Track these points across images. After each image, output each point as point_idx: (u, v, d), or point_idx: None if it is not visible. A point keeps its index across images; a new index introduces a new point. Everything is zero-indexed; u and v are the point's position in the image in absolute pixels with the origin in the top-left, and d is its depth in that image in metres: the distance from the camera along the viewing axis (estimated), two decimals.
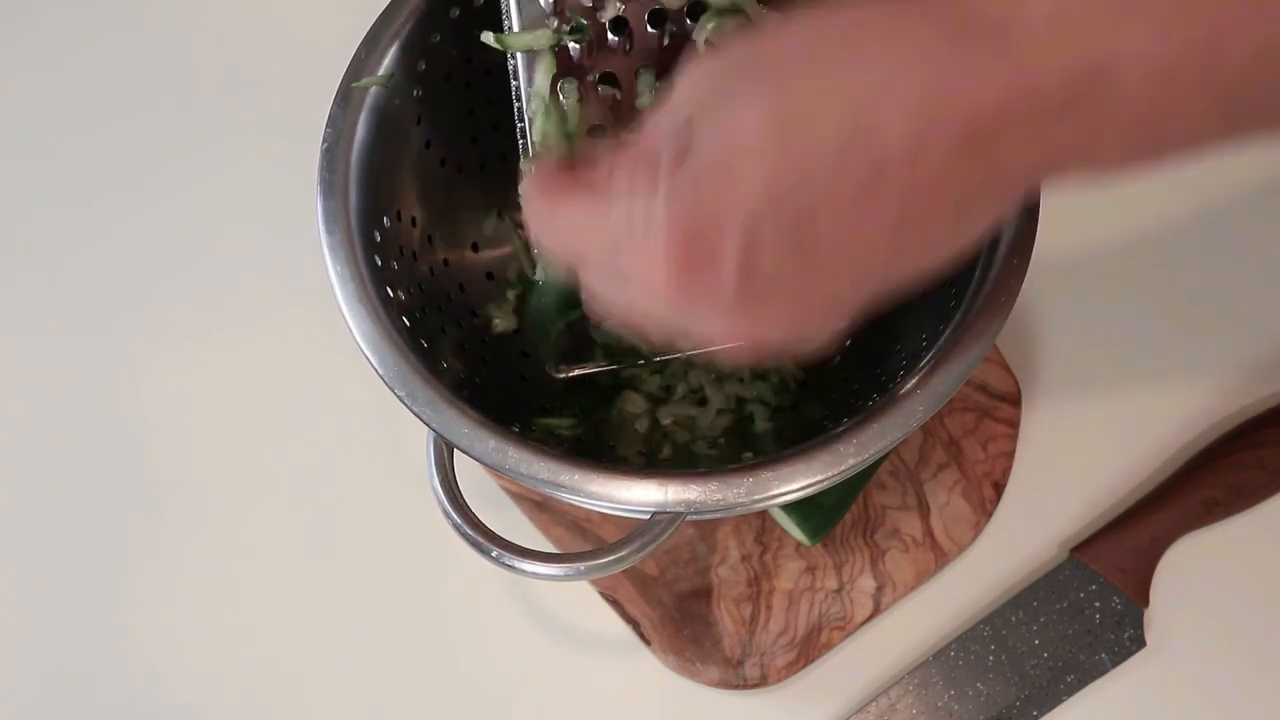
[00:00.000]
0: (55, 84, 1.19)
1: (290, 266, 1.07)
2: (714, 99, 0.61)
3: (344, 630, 1.01)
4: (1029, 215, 0.80)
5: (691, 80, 0.63)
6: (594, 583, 1.00)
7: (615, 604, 0.99)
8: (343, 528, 1.04)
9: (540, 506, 1.01)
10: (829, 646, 0.97)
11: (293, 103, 1.09)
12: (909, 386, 0.77)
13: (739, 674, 0.97)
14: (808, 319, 0.65)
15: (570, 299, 0.84)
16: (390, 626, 1.01)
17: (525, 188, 0.70)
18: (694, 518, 0.77)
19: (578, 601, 1.00)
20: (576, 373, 0.89)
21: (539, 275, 0.86)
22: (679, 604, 0.98)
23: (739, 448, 0.92)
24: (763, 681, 0.97)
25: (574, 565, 0.77)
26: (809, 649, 0.97)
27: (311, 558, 1.03)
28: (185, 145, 1.16)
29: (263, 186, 1.13)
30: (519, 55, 0.81)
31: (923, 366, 0.78)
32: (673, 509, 0.75)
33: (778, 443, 0.92)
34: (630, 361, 0.89)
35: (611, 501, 0.76)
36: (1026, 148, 0.59)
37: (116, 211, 1.14)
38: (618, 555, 0.76)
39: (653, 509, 0.76)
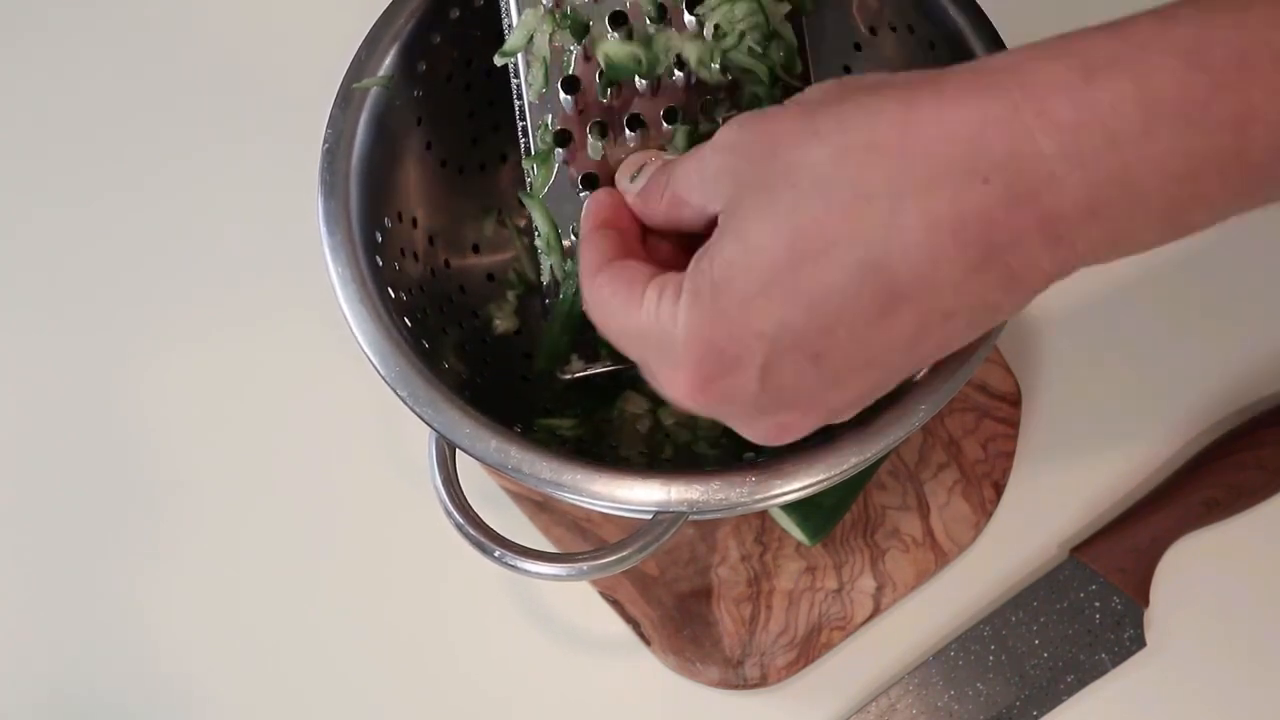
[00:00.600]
0: (55, 84, 1.19)
1: (290, 267, 1.07)
2: (738, 198, 0.65)
3: (344, 630, 1.01)
4: None
5: (724, 157, 0.66)
6: (594, 583, 1.00)
7: (615, 604, 0.99)
8: (343, 528, 1.04)
9: (541, 507, 1.01)
10: (829, 646, 0.97)
11: (293, 103, 1.09)
12: (910, 386, 0.77)
13: (739, 674, 0.97)
14: (831, 415, 0.69)
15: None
16: (390, 626, 1.01)
17: (582, 247, 0.74)
18: (696, 518, 0.77)
19: (578, 601, 1.00)
20: (581, 374, 0.89)
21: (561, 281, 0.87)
22: (679, 604, 0.98)
23: (740, 448, 0.92)
24: (763, 681, 0.97)
25: (576, 565, 0.77)
26: (809, 649, 0.97)
27: (312, 558, 1.03)
28: (185, 145, 1.16)
29: (263, 187, 1.13)
30: (518, 55, 0.81)
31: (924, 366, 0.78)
32: (675, 509, 0.75)
33: None
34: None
35: (614, 501, 0.76)
36: (1049, 253, 0.61)
37: (116, 211, 1.14)
38: (620, 555, 0.76)
39: (655, 509, 0.76)
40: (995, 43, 0.83)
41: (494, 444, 0.77)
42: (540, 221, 0.85)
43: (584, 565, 0.77)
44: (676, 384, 0.67)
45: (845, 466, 0.76)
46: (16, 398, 1.09)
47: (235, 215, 1.13)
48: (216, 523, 1.04)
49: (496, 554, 0.77)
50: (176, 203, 1.14)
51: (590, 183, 0.85)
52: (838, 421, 0.71)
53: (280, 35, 1.19)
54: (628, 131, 0.83)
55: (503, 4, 0.82)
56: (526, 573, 0.78)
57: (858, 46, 0.93)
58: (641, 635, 0.98)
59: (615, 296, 0.69)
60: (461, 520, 0.78)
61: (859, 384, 0.67)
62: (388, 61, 0.87)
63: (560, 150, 0.83)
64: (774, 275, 0.62)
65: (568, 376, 0.88)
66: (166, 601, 1.02)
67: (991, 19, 0.84)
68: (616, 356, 0.88)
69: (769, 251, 0.62)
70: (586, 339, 0.87)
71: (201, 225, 1.13)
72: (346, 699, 1.00)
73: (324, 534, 1.04)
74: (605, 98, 0.83)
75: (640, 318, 0.67)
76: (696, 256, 0.65)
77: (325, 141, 0.85)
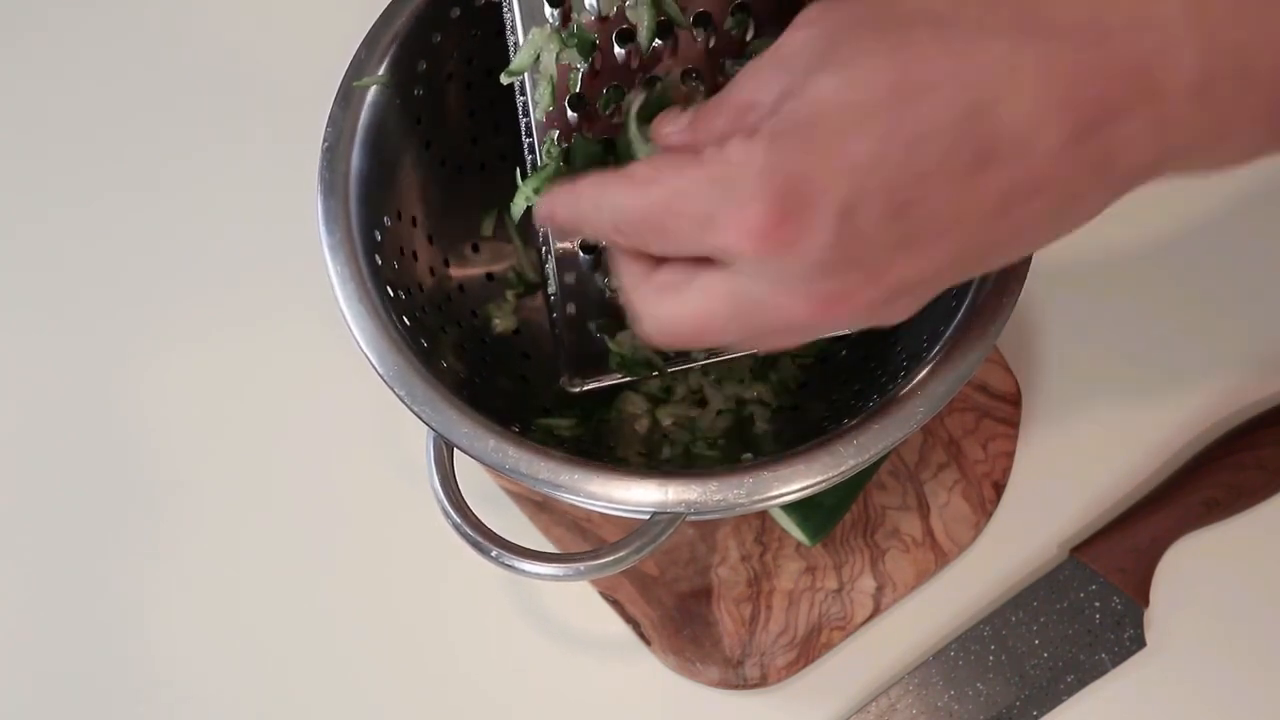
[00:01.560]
0: (55, 84, 1.19)
1: (290, 266, 1.07)
2: (834, 46, 0.60)
3: (344, 630, 1.01)
4: None
5: (808, 30, 0.62)
6: (594, 583, 1.00)
7: (615, 604, 0.99)
8: (343, 528, 1.04)
9: (540, 506, 1.01)
10: (829, 646, 0.97)
11: (294, 102, 1.09)
12: (909, 387, 0.77)
13: (739, 674, 0.97)
14: (889, 296, 0.63)
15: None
16: (390, 626, 1.01)
17: (544, 198, 0.72)
18: (694, 518, 0.77)
19: (578, 602, 1.00)
20: (591, 386, 0.88)
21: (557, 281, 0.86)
22: (679, 604, 0.99)
23: (739, 448, 0.92)
24: (763, 681, 0.97)
25: (574, 565, 0.77)
26: (809, 649, 0.97)
27: (312, 558, 1.03)
28: (186, 145, 1.16)
29: (263, 186, 1.13)
30: (532, 110, 0.81)
31: (923, 367, 0.78)
32: (673, 509, 0.75)
33: (778, 444, 0.92)
34: (644, 374, 0.89)
35: (611, 502, 0.76)
36: (1151, 137, 0.58)
37: (117, 211, 1.14)
38: (618, 555, 0.76)
39: (652, 509, 0.75)
40: None
41: (491, 443, 0.77)
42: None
43: (581, 566, 0.77)
44: (743, 222, 0.59)
45: (844, 467, 0.75)
46: (17, 398, 1.09)
47: (235, 214, 1.13)
48: (216, 522, 1.04)
49: (494, 554, 0.77)
50: (176, 202, 1.14)
51: None
52: (888, 318, 0.65)
53: (280, 35, 1.19)
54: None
55: (508, 20, 0.82)
56: (524, 573, 0.77)
57: None
58: (641, 635, 0.98)
59: (666, 159, 0.64)
60: (459, 520, 0.78)
61: (933, 252, 0.61)
62: (388, 60, 0.86)
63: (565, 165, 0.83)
64: (874, 110, 0.58)
65: (576, 389, 0.88)
66: (165, 600, 1.02)
67: None
68: (626, 368, 0.88)
69: (871, 86, 0.58)
70: (596, 351, 0.87)
71: (201, 224, 1.13)
72: (347, 698, 1.00)
73: (324, 534, 1.04)
74: (610, 113, 0.83)
75: (700, 166, 0.62)
76: (772, 103, 0.61)
77: (325, 140, 0.85)
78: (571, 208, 0.70)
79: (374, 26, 0.87)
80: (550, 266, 0.85)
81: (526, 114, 0.82)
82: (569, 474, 0.76)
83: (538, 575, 0.78)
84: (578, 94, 0.81)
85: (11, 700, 1.01)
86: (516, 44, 0.81)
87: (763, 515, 1.00)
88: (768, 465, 0.76)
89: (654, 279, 0.67)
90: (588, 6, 0.79)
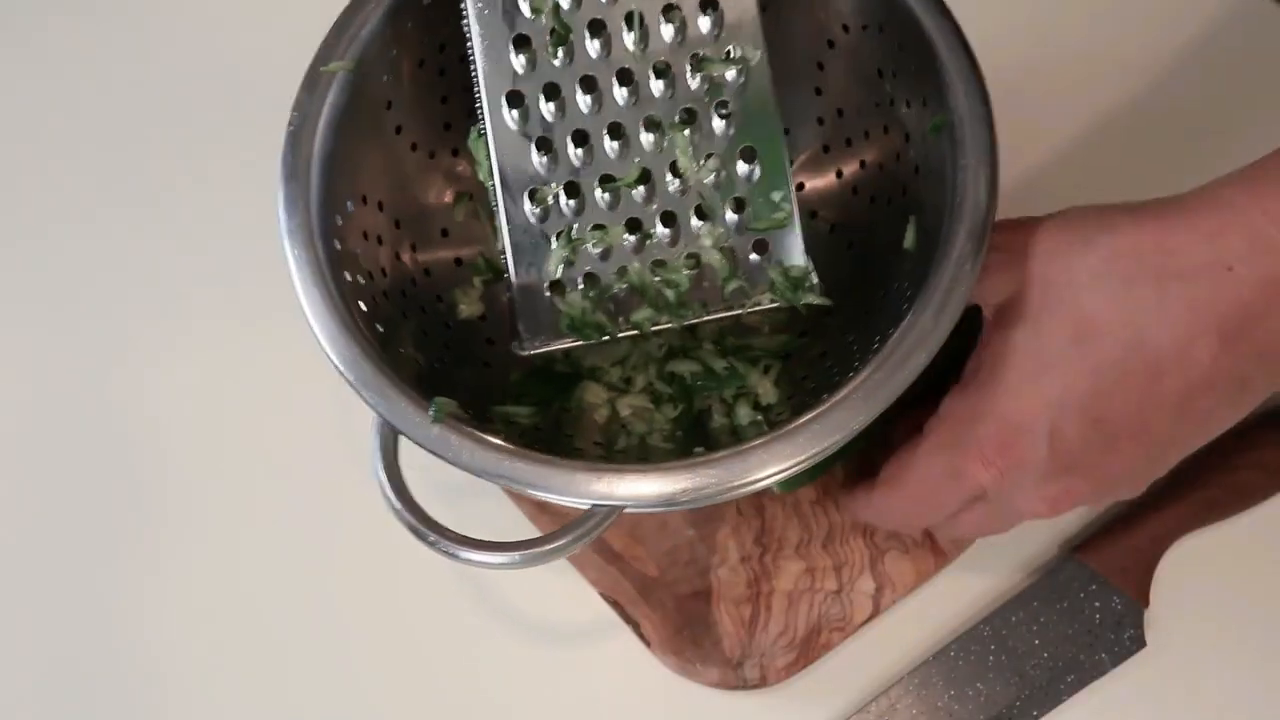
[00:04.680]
0: (47, 82, 1.20)
1: (274, 263, 1.06)
2: (1016, 296, 0.78)
3: (343, 630, 1.02)
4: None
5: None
6: (595, 584, 0.99)
7: (615, 605, 0.99)
8: (341, 529, 1.04)
9: (541, 508, 1.00)
10: (829, 647, 0.97)
11: (279, 98, 1.09)
12: (856, 385, 0.76)
13: (739, 675, 0.96)
14: (1110, 485, 0.79)
15: None
16: (389, 629, 1.01)
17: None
18: (632, 510, 0.77)
19: (578, 603, 1.00)
20: (540, 349, 0.88)
21: None
22: (679, 605, 0.98)
23: (694, 442, 0.91)
24: (763, 682, 0.96)
25: (511, 554, 0.77)
26: (809, 650, 0.97)
27: (308, 559, 1.03)
28: (167, 145, 1.17)
29: (249, 184, 1.11)
30: (479, 56, 0.82)
31: (870, 366, 0.77)
32: (611, 502, 0.76)
33: (734, 437, 0.91)
34: (595, 337, 0.88)
35: (549, 492, 0.76)
36: None
37: (109, 210, 1.15)
38: (556, 545, 0.77)
39: (591, 501, 0.76)
40: (964, 51, 0.82)
41: (435, 431, 0.77)
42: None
43: (518, 555, 0.77)
44: (979, 459, 0.78)
45: (781, 466, 0.76)
46: (5, 398, 1.10)
47: (221, 212, 1.14)
48: (212, 526, 1.05)
49: (431, 539, 0.78)
50: (167, 201, 1.15)
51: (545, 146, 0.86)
52: (1121, 496, 0.81)
53: (266, 26, 1.19)
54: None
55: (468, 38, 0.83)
56: (465, 561, 0.78)
57: (831, 44, 0.92)
58: (641, 636, 0.98)
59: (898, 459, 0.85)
60: (400, 506, 0.78)
61: (1133, 450, 0.76)
62: (358, 45, 0.86)
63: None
64: (1059, 353, 0.74)
65: (527, 352, 0.87)
66: (161, 605, 1.03)
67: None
68: (577, 331, 0.87)
69: (1055, 335, 0.75)
70: (547, 315, 0.87)
71: (187, 224, 1.14)
72: (345, 698, 1.00)
73: (321, 535, 1.04)
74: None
75: (927, 440, 0.82)
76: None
77: (290, 124, 0.84)
78: (871, 517, 0.93)
79: (344, 11, 0.86)
80: (501, 224, 0.85)
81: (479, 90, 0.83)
82: (510, 464, 0.77)
83: (476, 563, 0.78)
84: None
85: (11, 701, 1.02)
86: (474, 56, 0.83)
87: (762, 516, 1.00)
88: (713, 460, 0.76)
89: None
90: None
